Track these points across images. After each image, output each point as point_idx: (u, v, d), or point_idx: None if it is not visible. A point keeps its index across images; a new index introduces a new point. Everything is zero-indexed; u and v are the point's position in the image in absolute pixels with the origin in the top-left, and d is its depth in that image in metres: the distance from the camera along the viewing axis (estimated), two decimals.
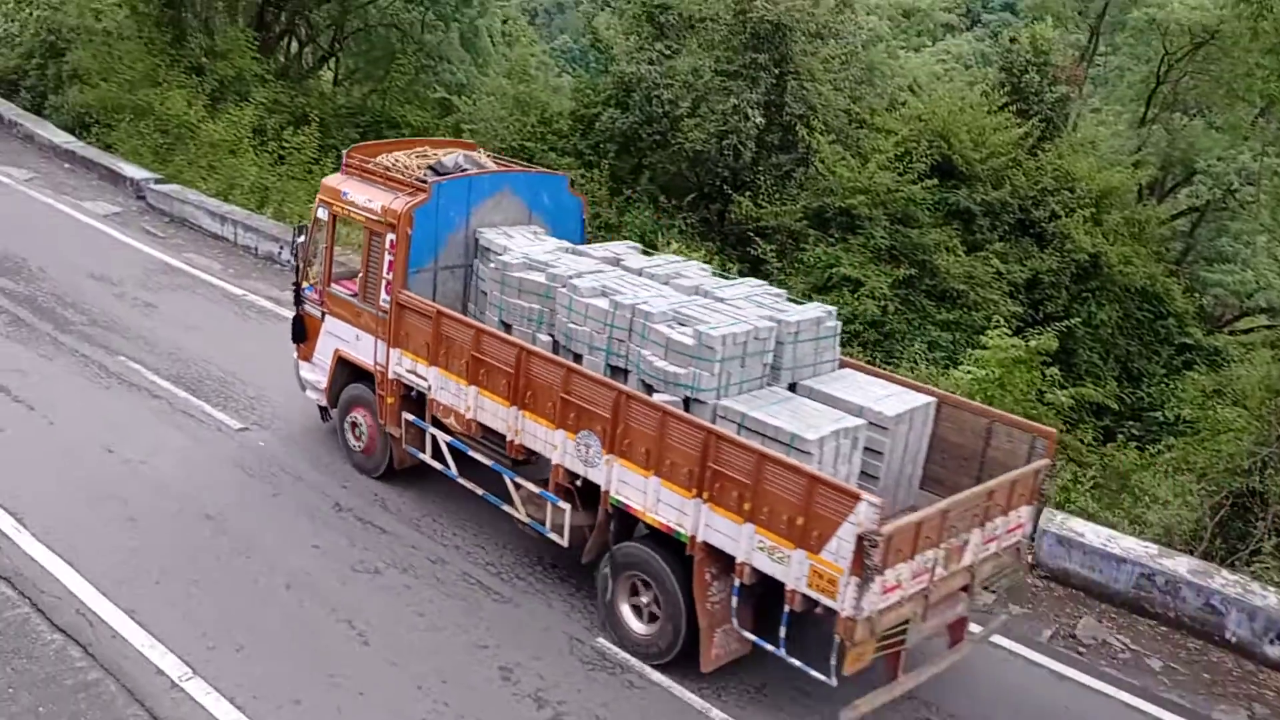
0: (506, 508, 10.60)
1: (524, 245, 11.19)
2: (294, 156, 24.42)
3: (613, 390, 9.24)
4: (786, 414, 8.99)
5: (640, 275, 10.75)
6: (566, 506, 9.90)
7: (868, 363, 17.35)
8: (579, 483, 9.74)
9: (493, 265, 10.92)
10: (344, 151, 12.44)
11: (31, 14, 30.63)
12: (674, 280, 10.64)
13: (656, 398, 9.23)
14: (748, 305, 10.04)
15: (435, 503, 11.72)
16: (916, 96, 24.68)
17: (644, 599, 9.49)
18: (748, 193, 21.79)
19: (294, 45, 36.75)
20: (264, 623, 9.48)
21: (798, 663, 8.53)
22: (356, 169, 11.87)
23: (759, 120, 21.63)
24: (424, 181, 11.24)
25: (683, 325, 9.53)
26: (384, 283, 11.13)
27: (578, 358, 10.04)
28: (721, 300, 10.13)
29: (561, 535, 10.05)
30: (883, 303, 19.31)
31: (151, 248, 19.20)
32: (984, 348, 15.14)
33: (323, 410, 12.92)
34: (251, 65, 28.99)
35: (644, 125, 22.56)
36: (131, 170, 22.62)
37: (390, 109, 32.97)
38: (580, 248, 11.60)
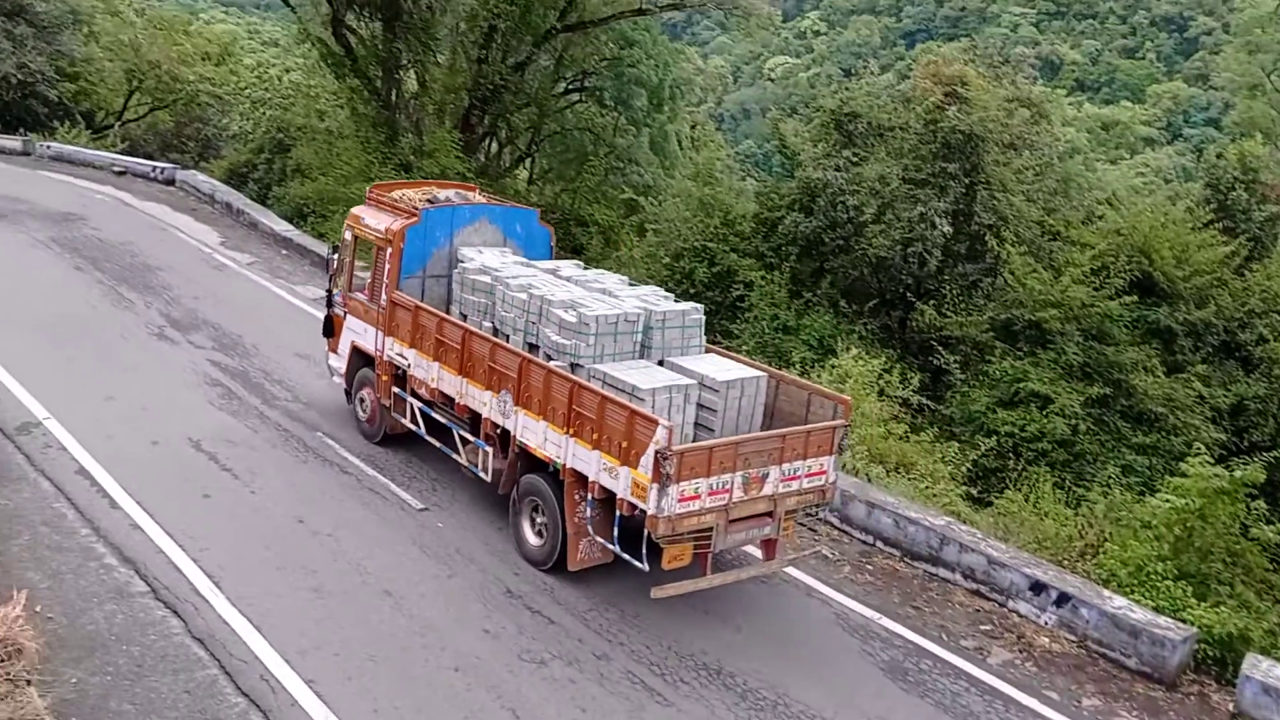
0: (454, 456, 13.48)
1: (489, 259, 14.14)
2: None
3: (519, 357, 12.11)
4: (638, 374, 11.64)
5: (568, 280, 13.50)
6: (490, 450, 12.70)
7: (1052, 479, 16.81)
8: (499, 431, 12.51)
9: (457, 271, 14.04)
10: (368, 187, 15.93)
11: (265, 114, 33.52)
12: (589, 284, 13.36)
13: (552, 364, 11.88)
14: (633, 300, 12.76)
15: (603, 597, 11.78)
16: (1115, 210, 23.85)
17: (539, 519, 12.16)
18: (931, 301, 21.43)
19: (494, 146, 38.80)
20: (432, 704, 9.67)
21: (626, 556, 10.99)
22: (375, 201, 15.26)
23: (946, 229, 21.35)
24: (417, 209, 14.38)
25: (574, 310, 12.18)
26: (384, 286, 14.28)
27: (507, 338, 12.87)
28: (615, 296, 12.84)
29: (488, 474, 12.90)
30: (1073, 422, 18.49)
31: None
32: (1184, 475, 14.26)
33: (347, 394, 15.69)
34: (455, 164, 30.69)
35: (827, 230, 22.59)
36: None
37: (579, 207, 34.22)
38: (530, 261, 14.45)
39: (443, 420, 13.62)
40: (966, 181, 21.70)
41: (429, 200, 14.93)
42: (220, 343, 18.45)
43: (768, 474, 11.09)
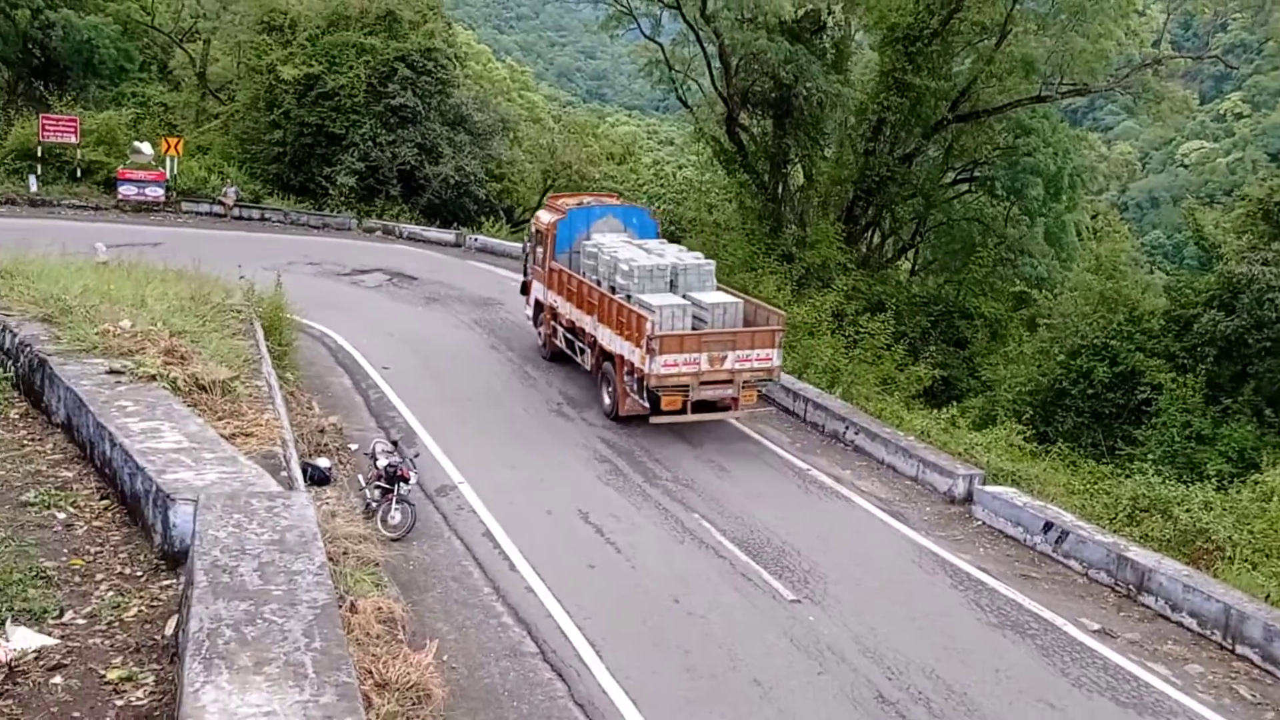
0: (577, 359, 21.26)
1: (605, 239, 21.40)
2: (867, 341, 25.37)
3: (599, 293, 19.86)
4: (658, 299, 18.81)
5: (646, 251, 20.55)
6: (589, 350, 20.47)
7: None
8: (593, 339, 20.12)
9: (584, 246, 21.53)
10: (544, 197, 25.15)
11: (659, 208, 35.63)
12: (653, 252, 20.44)
13: (616, 296, 19.29)
14: (672, 258, 20.11)
15: (979, 710, 11.04)
16: None
17: (609, 389, 19.54)
18: None
19: (876, 237, 38.68)
20: None
21: (643, 401, 18.46)
22: (548, 207, 24.41)
23: None
24: (566, 210, 22.53)
25: (629, 263, 19.53)
26: (548, 258, 22.25)
27: (602, 284, 20.15)
28: (662, 257, 20.14)
29: (588, 365, 20.62)
30: None
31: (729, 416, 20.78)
32: None
33: (536, 332, 23.77)
34: (836, 255, 30.93)
35: (1251, 330, 20.33)
36: None
37: (964, 299, 33.17)
38: (635, 240, 21.45)
39: (573, 339, 21.26)
40: None
41: (577, 204, 23.25)
42: (607, 421, 19.54)
43: (726, 356, 18.35)
